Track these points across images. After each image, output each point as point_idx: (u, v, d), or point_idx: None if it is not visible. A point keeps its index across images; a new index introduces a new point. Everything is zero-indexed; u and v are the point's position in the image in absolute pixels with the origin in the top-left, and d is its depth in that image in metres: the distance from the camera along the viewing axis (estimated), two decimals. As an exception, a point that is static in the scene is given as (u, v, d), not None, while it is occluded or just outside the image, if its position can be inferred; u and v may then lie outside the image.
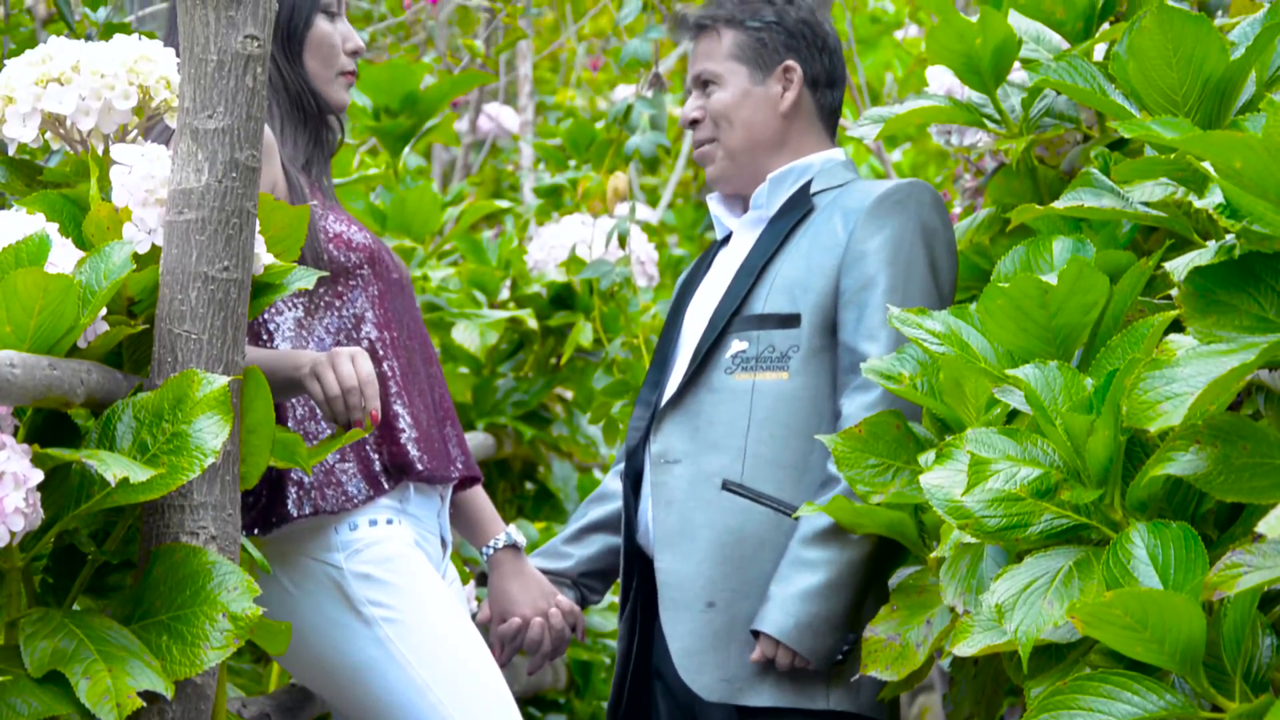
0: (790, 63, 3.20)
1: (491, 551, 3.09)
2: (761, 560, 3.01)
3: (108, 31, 3.84)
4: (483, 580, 3.92)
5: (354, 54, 2.93)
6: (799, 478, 3.02)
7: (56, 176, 2.57)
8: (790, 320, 3.07)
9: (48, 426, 2.35)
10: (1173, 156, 2.44)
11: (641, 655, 3.17)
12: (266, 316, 2.79)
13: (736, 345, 3.09)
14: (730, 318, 3.10)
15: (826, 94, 3.23)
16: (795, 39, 3.20)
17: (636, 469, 3.17)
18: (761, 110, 3.20)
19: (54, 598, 2.39)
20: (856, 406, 2.96)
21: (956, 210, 3.51)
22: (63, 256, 2.31)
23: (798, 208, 3.15)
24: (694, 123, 3.24)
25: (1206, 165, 2.19)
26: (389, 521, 2.81)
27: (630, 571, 3.18)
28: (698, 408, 3.09)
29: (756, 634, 2.97)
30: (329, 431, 2.78)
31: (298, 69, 2.89)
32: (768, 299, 3.09)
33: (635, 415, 3.21)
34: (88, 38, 3.83)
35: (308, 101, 2.89)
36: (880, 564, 2.97)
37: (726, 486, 3.05)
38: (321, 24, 2.90)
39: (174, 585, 2.30)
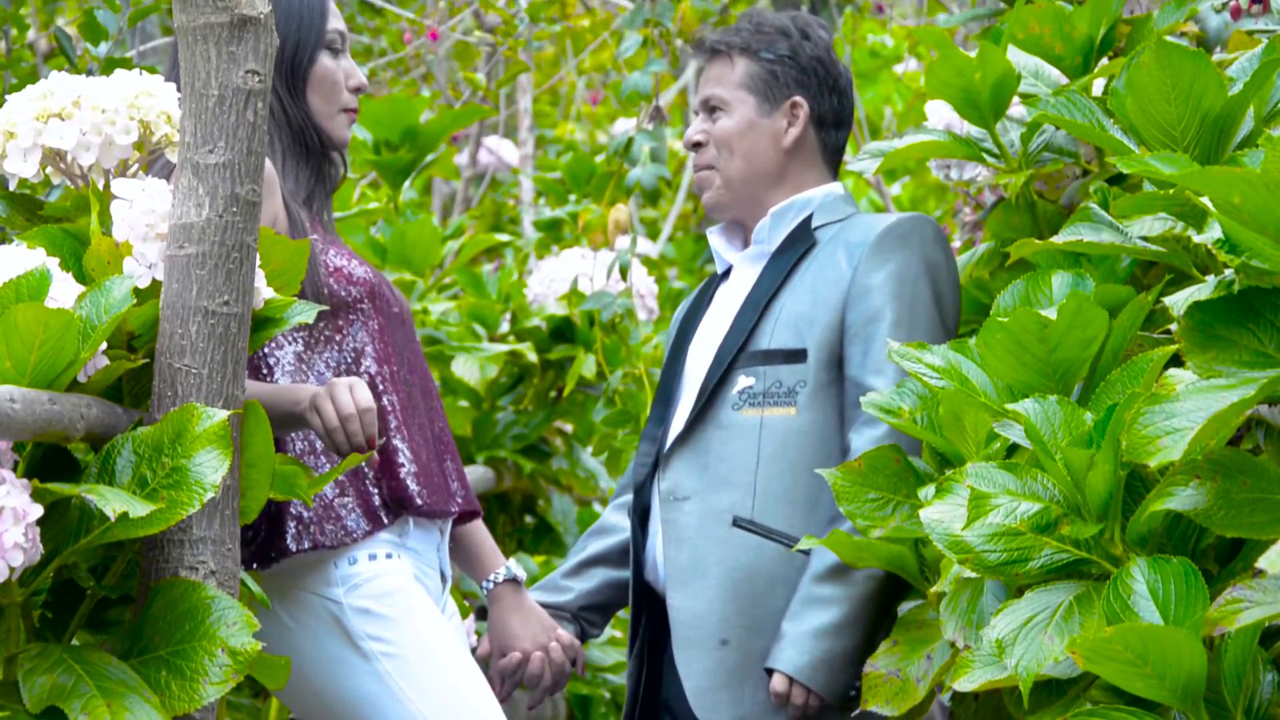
0: (798, 99, 3.19)
1: (491, 585, 3.09)
2: (774, 597, 3.00)
3: (109, 66, 3.84)
4: (482, 614, 3.91)
5: (357, 91, 2.94)
6: (810, 513, 3.01)
7: (57, 211, 2.57)
8: (796, 355, 3.06)
9: (47, 461, 2.34)
10: (1171, 192, 2.44)
11: (650, 691, 3.16)
12: (266, 351, 2.79)
13: (743, 381, 3.08)
14: (736, 354, 3.09)
15: (832, 133, 3.23)
16: (807, 75, 3.20)
17: (644, 505, 3.16)
18: (763, 142, 3.20)
19: (53, 633, 2.39)
20: (865, 441, 2.95)
21: (956, 244, 3.51)
22: (63, 291, 2.31)
23: (800, 242, 3.15)
24: (697, 145, 3.24)
25: (1205, 200, 2.20)
26: (388, 556, 2.81)
27: (639, 608, 3.17)
28: (706, 444, 3.08)
29: (770, 671, 2.96)
30: (329, 467, 2.78)
31: (300, 104, 2.89)
32: (773, 334, 3.08)
33: (641, 451, 3.20)
34: (89, 73, 3.84)
35: (310, 137, 2.90)
36: (891, 598, 2.96)
37: (737, 523, 3.04)
38: (325, 60, 2.91)
39: (173, 620, 2.30)
